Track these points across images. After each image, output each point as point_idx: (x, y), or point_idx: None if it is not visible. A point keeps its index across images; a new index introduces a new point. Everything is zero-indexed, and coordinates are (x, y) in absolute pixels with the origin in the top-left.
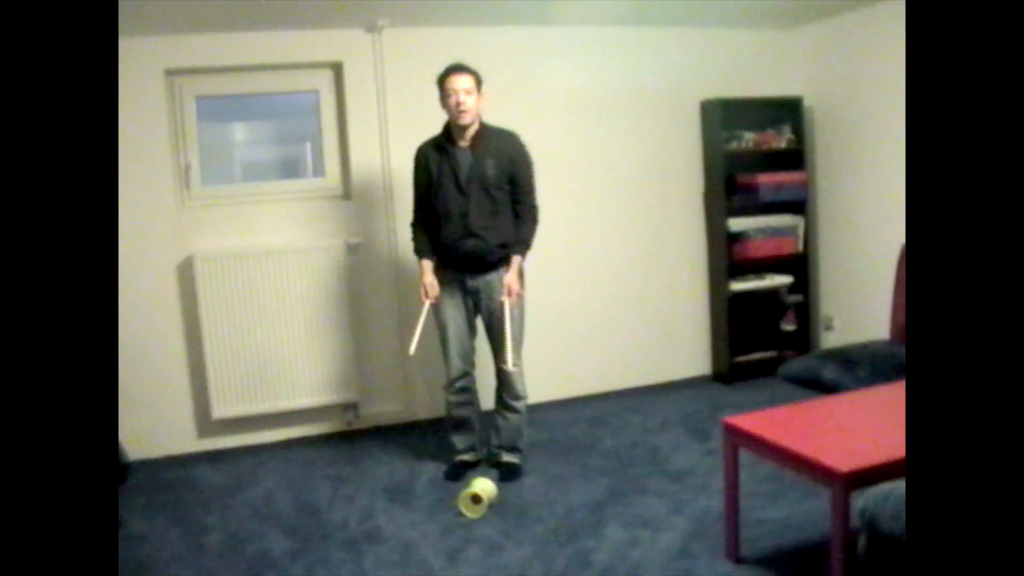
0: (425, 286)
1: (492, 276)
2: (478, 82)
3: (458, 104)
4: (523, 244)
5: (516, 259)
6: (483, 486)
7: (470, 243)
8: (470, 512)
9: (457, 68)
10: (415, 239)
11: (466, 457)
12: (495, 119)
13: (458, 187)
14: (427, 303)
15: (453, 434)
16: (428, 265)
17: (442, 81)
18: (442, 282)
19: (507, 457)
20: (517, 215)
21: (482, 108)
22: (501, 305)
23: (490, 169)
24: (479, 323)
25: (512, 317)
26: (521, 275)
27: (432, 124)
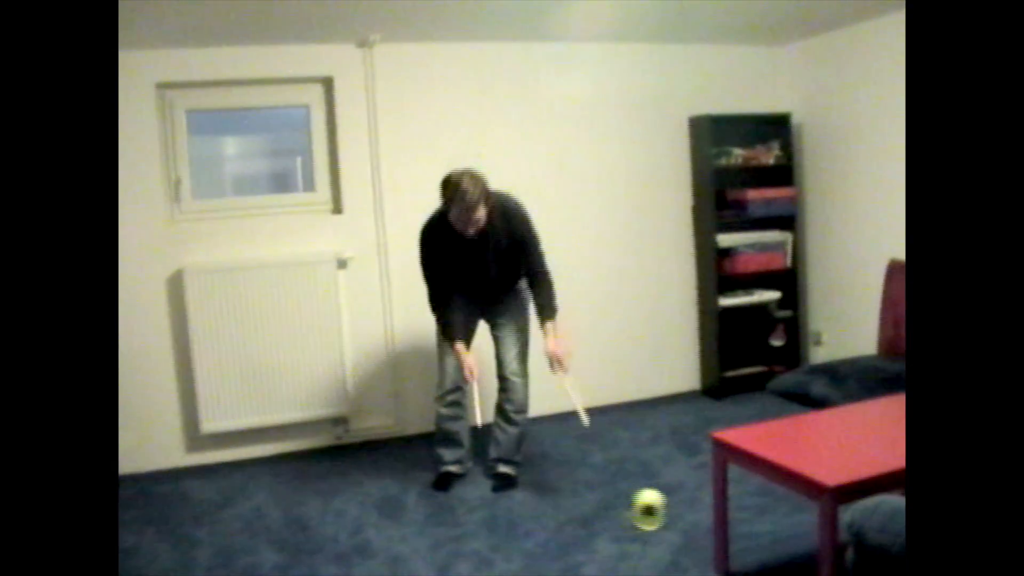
0: (468, 368)
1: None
2: (486, 198)
3: (476, 232)
4: (551, 309)
5: (548, 326)
6: (652, 496)
7: (489, 296)
8: (645, 525)
9: (469, 206)
10: (440, 321)
11: (453, 468)
12: (486, 133)
13: (478, 266)
14: (473, 382)
15: (441, 447)
16: (461, 347)
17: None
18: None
19: (503, 468)
20: (531, 283)
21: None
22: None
23: (503, 242)
24: (483, 328)
25: (518, 330)
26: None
27: (423, 140)
